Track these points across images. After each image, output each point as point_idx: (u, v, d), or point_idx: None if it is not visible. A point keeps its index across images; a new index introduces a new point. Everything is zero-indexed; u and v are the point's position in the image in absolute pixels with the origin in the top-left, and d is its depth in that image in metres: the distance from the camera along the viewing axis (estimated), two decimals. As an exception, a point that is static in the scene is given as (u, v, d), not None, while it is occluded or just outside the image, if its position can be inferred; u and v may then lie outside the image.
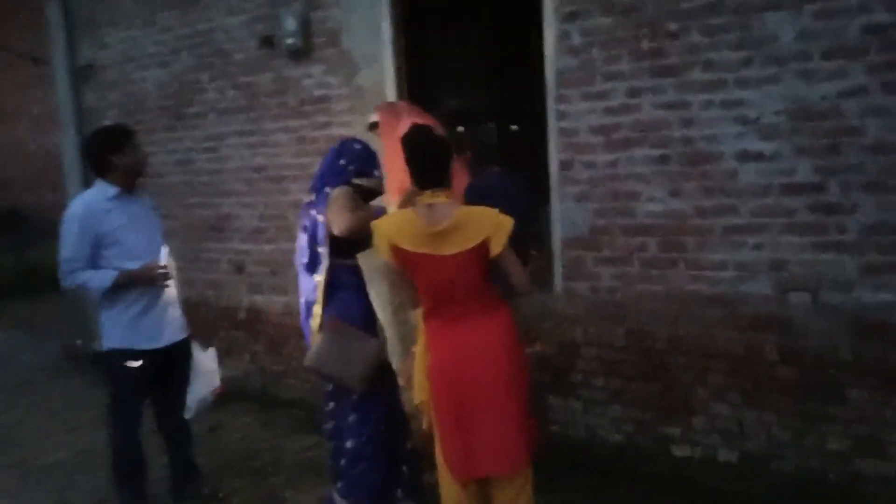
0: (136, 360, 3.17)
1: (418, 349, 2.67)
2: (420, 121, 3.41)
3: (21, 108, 9.67)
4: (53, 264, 3.19)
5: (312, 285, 3.07)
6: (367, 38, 4.49)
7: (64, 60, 6.38)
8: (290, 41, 4.73)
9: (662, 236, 3.57)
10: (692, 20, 3.33)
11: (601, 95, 3.63)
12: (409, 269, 2.55)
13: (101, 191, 3.18)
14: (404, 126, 3.31)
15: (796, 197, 3.22)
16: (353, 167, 3.05)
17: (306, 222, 3.09)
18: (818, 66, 3.10)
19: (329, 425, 3.16)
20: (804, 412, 3.30)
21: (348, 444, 3.03)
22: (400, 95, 4.45)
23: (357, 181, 3.03)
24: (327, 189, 2.98)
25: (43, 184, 8.99)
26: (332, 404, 3.13)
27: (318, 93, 4.81)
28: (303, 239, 3.10)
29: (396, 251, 2.50)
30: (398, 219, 2.57)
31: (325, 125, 4.80)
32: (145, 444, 3.38)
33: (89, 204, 3.16)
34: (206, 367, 3.37)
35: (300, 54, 4.78)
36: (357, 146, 3.12)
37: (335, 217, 2.86)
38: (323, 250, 3.01)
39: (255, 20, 5.04)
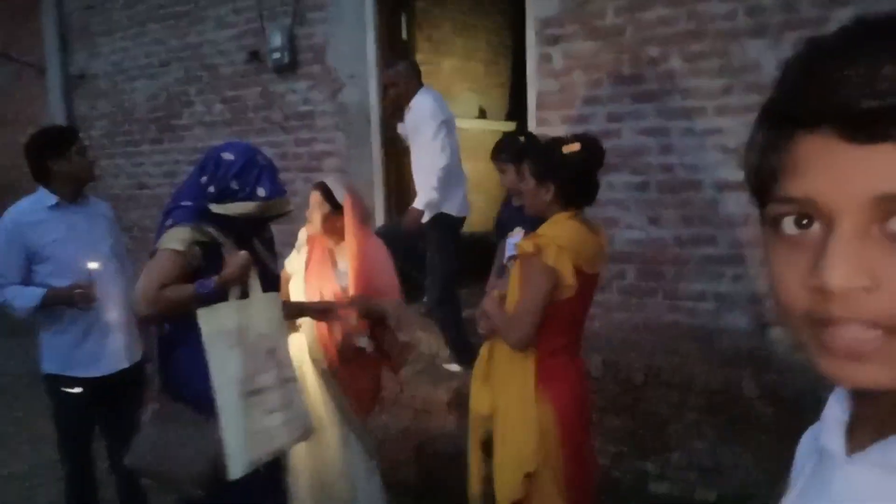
0: (73, 387, 2.87)
1: (523, 403, 2.13)
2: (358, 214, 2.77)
3: (26, 116, 9.74)
4: None
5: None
6: (351, 55, 4.46)
7: (58, 69, 6.39)
8: (276, 56, 4.70)
9: (641, 264, 3.49)
10: (672, 46, 3.27)
11: (581, 119, 3.56)
12: (573, 297, 2.09)
13: (39, 199, 2.85)
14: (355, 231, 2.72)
15: (776, 229, 3.13)
16: (213, 189, 2.14)
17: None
18: (799, 96, 3.03)
19: None
20: (783, 452, 3.16)
21: None
22: (384, 112, 4.40)
23: (216, 208, 2.15)
24: (169, 222, 2.14)
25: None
26: None
27: (302, 108, 4.77)
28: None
29: (578, 275, 2.06)
30: (573, 233, 2.09)
31: (309, 141, 4.76)
32: (99, 471, 3.20)
33: (20, 214, 2.82)
34: None
35: (286, 69, 4.75)
36: (227, 156, 2.18)
37: (139, 286, 2.08)
38: None
39: (243, 34, 5.02)
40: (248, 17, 4.97)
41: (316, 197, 2.76)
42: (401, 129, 3.99)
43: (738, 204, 3.20)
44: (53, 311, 2.83)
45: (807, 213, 0.50)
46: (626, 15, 3.37)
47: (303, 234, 2.87)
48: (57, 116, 6.49)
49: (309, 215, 2.77)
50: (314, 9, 4.62)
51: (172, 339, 2.21)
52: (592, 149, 2.19)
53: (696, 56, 3.22)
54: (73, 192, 2.89)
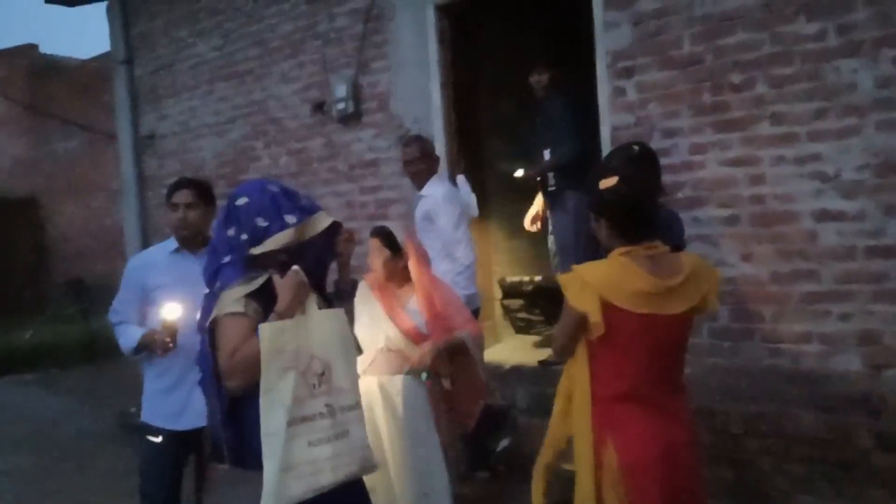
0: (156, 436, 2.90)
1: (581, 447, 2.10)
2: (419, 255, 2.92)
3: (99, 183, 10.16)
4: (113, 332, 2.98)
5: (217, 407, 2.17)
6: (415, 99, 4.45)
7: (128, 132, 6.60)
8: (340, 106, 4.74)
9: (734, 305, 3.27)
10: (757, 71, 3.11)
11: (661, 153, 3.38)
12: (614, 336, 2.01)
13: (166, 244, 2.98)
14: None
15: (886, 260, 2.89)
16: (246, 236, 2.07)
17: (204, 321, 2.15)
18: (905, 116, 2.82)
19: None
20: (907, 508, 2.87)
21: None
22: (450, 155, 4.35)
23: (257, 251, 2.06)
24: (218, 286, 2.06)
25: (114, 254, 9.35)
26: None
27: (367, 157, 4.75)
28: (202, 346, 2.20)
29: (609, 311, 1.97)
30: (610, 270, 2.03)
31: (375, 189, 4.73)
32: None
33: (144, 256, 3.07)
34: None
35: (350, 119, 4.78)
36: (241, 201, 2.10)
37: (219, 358, 2.01)
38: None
39: (307, 87, 5.09)
40: (312, 70, 5.04)
41: (375, 243, 2.90)
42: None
43: (842, 234, 2.97)
44: (150, 357, 2.87)
45: None
46: (703, 42, 3.24)
47: (364, 286, 2.90)
48: (127, 178, 6.67)
49: (370, 262, 2.91)
50: (377, 57, 4.65)
51: (242, 404, 2.06)
52: (633, 180, 2.07)
53: (783, 80, 3.06)
54: (185, 241, 2.93)
